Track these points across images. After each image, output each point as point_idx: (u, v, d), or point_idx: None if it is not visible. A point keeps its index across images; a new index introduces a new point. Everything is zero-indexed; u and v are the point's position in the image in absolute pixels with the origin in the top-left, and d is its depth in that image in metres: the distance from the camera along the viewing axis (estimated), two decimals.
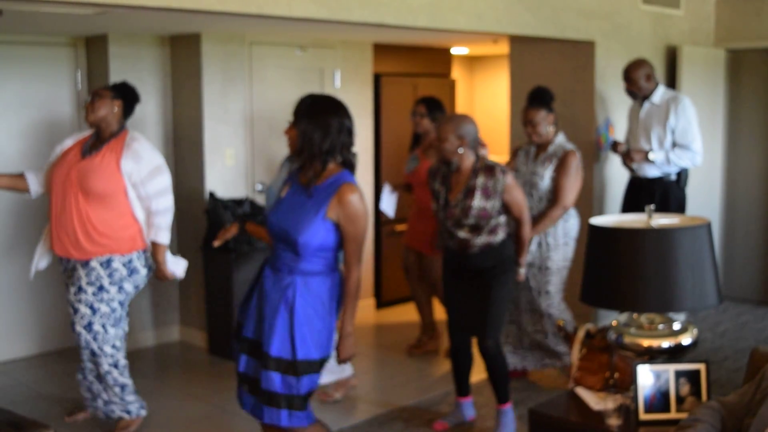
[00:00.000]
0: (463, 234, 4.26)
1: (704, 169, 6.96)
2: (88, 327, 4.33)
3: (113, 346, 4.42)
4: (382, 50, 7.09)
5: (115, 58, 5.80)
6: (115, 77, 5.79)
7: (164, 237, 4.47)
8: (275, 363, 3.22)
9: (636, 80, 5.72)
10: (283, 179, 3.67)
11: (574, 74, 6.19)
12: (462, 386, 4.64)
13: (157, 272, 4.55)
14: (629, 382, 3.26)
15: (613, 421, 3.11)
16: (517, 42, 6.48)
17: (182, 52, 5.99)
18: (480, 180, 4.22)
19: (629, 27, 6.37)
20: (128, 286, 4.43)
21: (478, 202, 4.19)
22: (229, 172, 6.06)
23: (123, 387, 4.50)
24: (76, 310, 4.34)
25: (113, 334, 4.40)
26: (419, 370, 5.67)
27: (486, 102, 8.95)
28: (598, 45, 6.10)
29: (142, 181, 4.38)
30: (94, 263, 4.34)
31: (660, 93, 5.77)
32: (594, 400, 3.32)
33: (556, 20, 5.75)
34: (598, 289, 3.14)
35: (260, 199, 6.14)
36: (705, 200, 7.01)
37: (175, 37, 6.03)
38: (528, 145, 5.13)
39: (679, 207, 5.76)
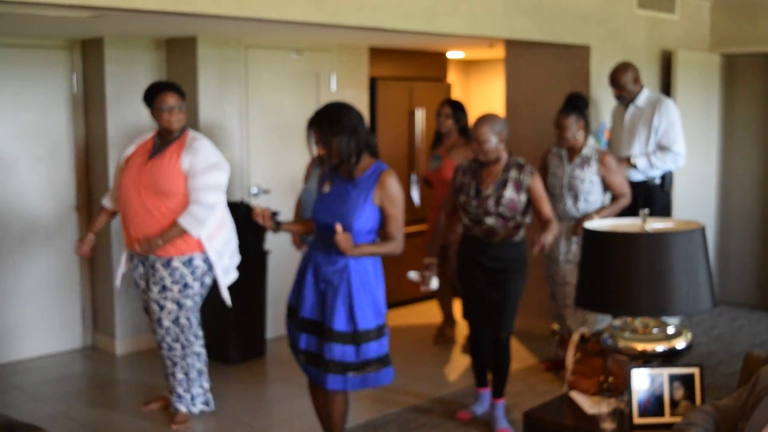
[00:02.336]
0: (491, 221, 4.46)
1: (699, 174, 6.98)
2: (176, 321, 4.60)
3: (195, 336, 4.70)
4: (378, 54, 7.10)
5: (110, 61, 5.80)
6: (111, 80, 5.80)
7: (191, 224, 4.45)
8: (339, 336, 3.68)
9: (625, 85, 5.70)
10: (318, 180, 4.03)
11: (569, 78, 6.20)
12: (481, 377, 4.83)
13: (152, 243, 4.46)
14: (623, 386, 3.26)
15: (608, 425, 3.11)
16: (513, 46, 6.49)
17: (178, 56, 5.99)
18: (512, 173, 4.46)
19: (624, 31, 6.38)
20: (208, 279, 4.67)
21: (509, 192, 4.43)
22: None
23: (200, 373, 4.76)
24: (162, 307, 4.57)
25: (196, 324, 4.70)
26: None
27: (482, 106, 8.94)
28: (594, 49, 6.11)
29: (195, 174, 4.47)
30: (176, 263, 4.53)
31: (644, 96, 5.77)
32: (588, 404, 3.32)
33: (551, 25, 5.76)
34: (593, 293, 3.14)
35: (256, 203, 6.14)
36: (700, 204, 7.02)
37: (171, 41, 6.03)
38: (557, 148, 5.28)
39: (663, 211, 5.75)
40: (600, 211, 5.10)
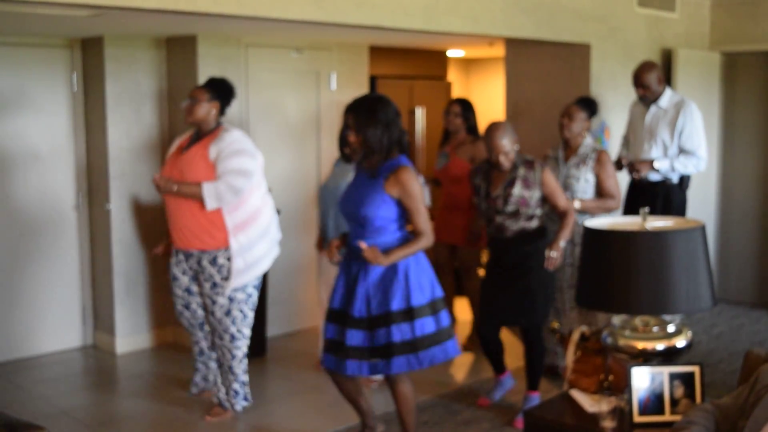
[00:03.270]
0: (500, 219, 4.58)
1: (700, 172, 6.97)
2: (228, 313, 4.66)
3: (250, 328, 4.77)
4: (378, 52, 7.09)
5: (111, 59, 5.80)
6: (111, 79, 5.79)
7: (210, 194, 4.45)
8: (356, 322, 3.80)
9: (649, 85, 5.61)
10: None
11: (569, 77, 6.20)
12: (498, 366, 4.97)
13: (165, 184, 4.50)
14: (624, 384, 3.26)
15: (608, 424, 3.11)
16: (513, 45, 6.49)
17: (178, 54, 5.98)
18: (521, 171, 4.55)
19: (624, 30, 6.38)
20: (259, 272, 4.72)
21: (518, 190, 4.52)
22: None
23: (244, 370, 4.81)
24: (214, 302, 4.63)
25: (251, 316, 4.76)
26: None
27: (482, 104, 8.94)
28: (594, 48, 6.10)
29: (221, 159, 4.49)
30: (221, 260, 4.58)
31: (667, 97, 5.69)
32: (588, 403, 3.32)
33: (551, 23, 5.76)
34: (593, 292, 3.14)
35: None
36: (700, 203, 7.02)
37: (171, 39, 6.03)
38: (555, 151, 5.29)
39: (680, 210, 5.74)
40: (584, 200, 5.05)
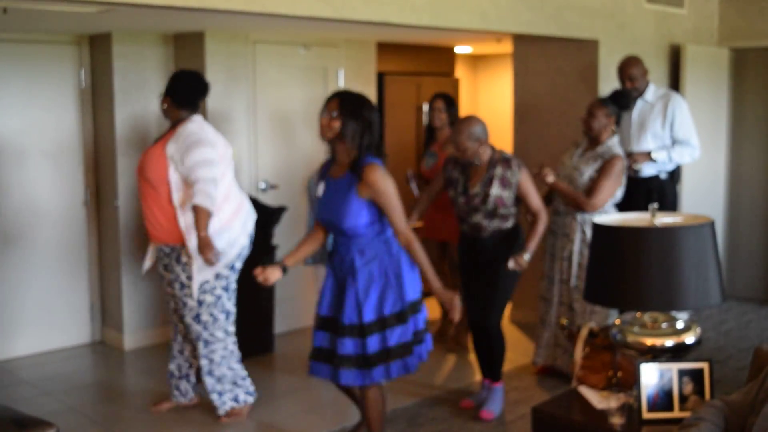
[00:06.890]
0: (477, 218, 4.54)
1: (708, 168, 6.96)
2: (197, 318, 4.52)
3: (225, 332, 4.61)
4: (385, 49, 7.09)
5: (118, 56, 5.81)
6: (119, 76, 5.81)
7: (205, 201, 4.29)
8: (348, 329, 3.71)
9: (637, 77, 5.65)
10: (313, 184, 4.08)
11: (577, 73, 6.19)
12: (484, 369, 4.90)
13: (199, 242, 4.34)
14: (632, 380, 3.26)
15: (616, 420, 3.11)
16: (521, 41, 6.48)
17: (186, 51, 5.99)
18: (498, 170, 4.51)
19: (633, 26, 6.37)
20: (224, 271, 4.54)
21: (496, 190, 4.48)
22: None
23: (234, 373, 4.68)
24: (184, 304, 4.51)
25: (224, 319, 4.59)
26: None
27: (490, 101, 8.95)
28: (602, 44, 6.09)
29: (181, 157, 4.36)
30: (184, 258, 4.45)
31: (652, 90, 5.74)
32: (597, 399, 3.31)
33: (559, 19, 5.74)
34: (602, 288, 3.13)
35: (264, 198, 6.14)
36: (708, 199, 7.00)
37: (179, 36, 6.03)
38: (582, 140, 5.21)
39: (673, 205, 5.76)
40: (559, 182, 4.96)
